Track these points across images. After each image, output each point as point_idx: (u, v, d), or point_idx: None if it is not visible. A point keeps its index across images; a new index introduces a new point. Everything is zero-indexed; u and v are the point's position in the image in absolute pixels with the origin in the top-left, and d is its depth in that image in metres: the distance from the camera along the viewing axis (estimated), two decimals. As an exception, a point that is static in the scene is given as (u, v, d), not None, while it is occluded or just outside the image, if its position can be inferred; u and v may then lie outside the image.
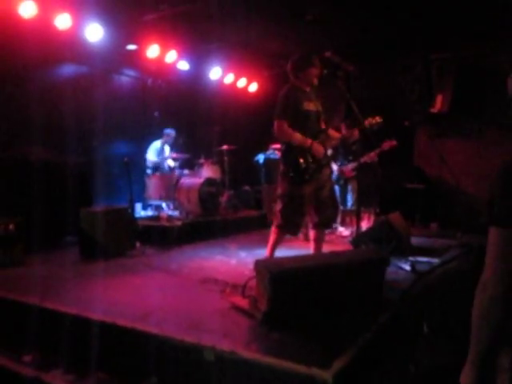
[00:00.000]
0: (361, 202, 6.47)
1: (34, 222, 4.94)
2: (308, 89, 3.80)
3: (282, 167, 3.74)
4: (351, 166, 6.38)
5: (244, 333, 2.59)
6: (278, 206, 3.74)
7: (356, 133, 3.98)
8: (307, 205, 3.71)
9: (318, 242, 3.90)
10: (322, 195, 3.75)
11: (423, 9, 5.76)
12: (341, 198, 6.74)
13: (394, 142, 6.13)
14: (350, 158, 6.50)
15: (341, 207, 6.76)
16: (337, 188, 6.74)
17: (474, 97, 7.07)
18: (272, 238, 3.81)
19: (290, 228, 3.76)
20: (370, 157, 6.16)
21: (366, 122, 3.89)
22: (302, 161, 3.57)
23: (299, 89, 3.74)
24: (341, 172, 6.54)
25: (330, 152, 6.35)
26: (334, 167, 6.51)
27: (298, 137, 3.58)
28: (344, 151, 6.57)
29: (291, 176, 3.61)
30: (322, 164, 3.72)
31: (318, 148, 3.62)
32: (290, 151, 3.63)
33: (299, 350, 2.26)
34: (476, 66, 7.09)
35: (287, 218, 3.69)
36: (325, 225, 3.89)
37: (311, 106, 3.73)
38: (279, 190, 3.75)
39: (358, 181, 6.44)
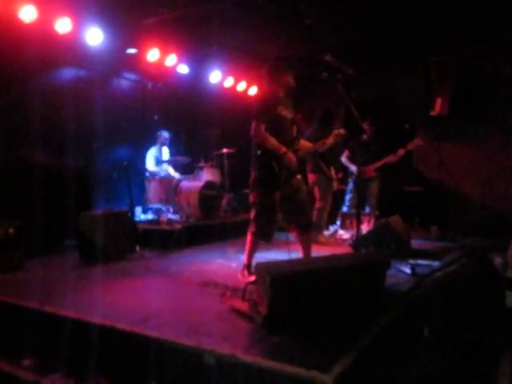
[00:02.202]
0: (380, 203, 6.46)
1: (33, 225, 4.94)
2: (282, 94, 3.81)
3: (253, 174, 3.72)
4: (374, 165, 6.33)
5: (244, 336, 2.58)
6: (252, 214, 3.75)
7: (328, 141, 3.93)
8: (278, 212, 3.72)
9: (305, 245, 3.86)
10: (298, 198, 3.74)
11: (423, 12, 5.77)
12: (350, 201, 6.65)
13: (420, 142, 6.13)
14: (368, 159, 6.41)
15: (345, 209, 6.72)
16: (349, 189, 6.65)
17: (473, 100, 7.08)
18: (248, 244, 3.82)
19: (264, 235, 3.76)
20: (398, 155, 6.15)
21: (335, 132, 3.92)
22: (275, 166, 3.56)
23: (275, 94, 3.77)
24: (362, 172, 6.32)
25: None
26: (353, 168, 6.44)
27: (273, 142, 3.58)
28: (363, 153, 6.40)
29: (263, 183, 3.62)
30: (294, 172, 3.70)
31: (290, 157, 3.61)
32: (264, 158, 3.61)
33: (299, 353, 2.26)
34: (475, 70, 7.11)
35: (261, 225, 3.71)
36: (306, 227, 3.84)
37: (286, 113, 3.75)
38: (251, 198, 3.75)
39: (379, 181, 6.42)
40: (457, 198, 7.33)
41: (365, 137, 6.38)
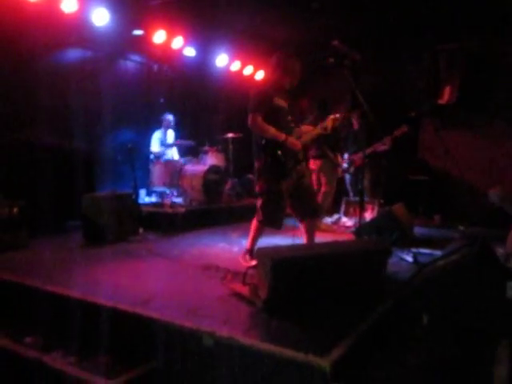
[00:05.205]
0: (371, 191, 6.49)
1: (38, 206, 4.99)
2: (282, 86, 3.79)
3: (258, 164, 3.71)
4: (361, 154, 6.32)
5: (244, 319, 2.61)
6: (259, 202, 3.75)
7: (328, 125, 3.85)
8: (287, 199, 3.72)
9: (310, 232, 3.87)
10: (303, 184, 3.75)
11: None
12: (351, 187, 6.73)
13: (406, 129, 6.10)
14: (356, 147, 6.46)
15: (350, 197, 6.74)
16: (347, 177, 6.72)
17: (481, 89, 7.00)
18: (253, 231, 3.82)
19: (272, 223, 3.75)
20: (385, 143, 6.14)
21: (331, 117, 3.87)
22: (280, 153, 3.56)
23: (272, 85, 3.76)
24: (351, 161, 6.49)
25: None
26: (345, 156, 6.49)
27: (272, 130, 3.57)
28: (352, 141, 6.55)
29: (270, 171, 3.61)
30: (299, 159, 3.71)
31: (293, 141, 3.61)
32: (268, 147, 3.60)
33: (298, 337, 2.28)
34: (484, 58, 7.01)
35: (268, 213, 3.70)
36: (312, 214, 3.85)
37: (283, 103, 3.73)
38: (257, 187, 3.75)
39: (370, 169, 6.41)
40: (462, 187, 7.30)
41: (355, 127, 6.56)
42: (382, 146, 6.19)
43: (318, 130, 3.95)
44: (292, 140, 3.61)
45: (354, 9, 6.20)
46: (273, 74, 3.80)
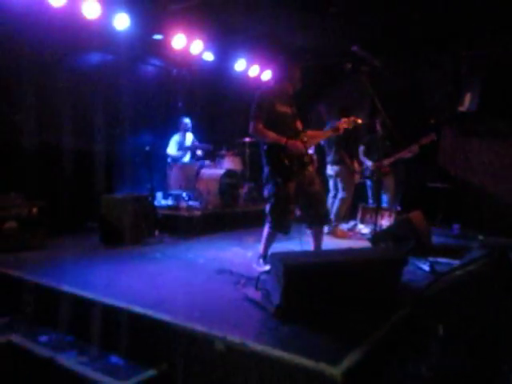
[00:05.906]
0: (403, 198, 6.40)
1: (59, 206, 5.07)
2: (283, 92, 3.84)
3: (265, 170, 3.74)
4: (387, 161, 6.23)
5: (255, 325, 2.60)
6: (267, 207, 3.76)
7: (341, 126, 3.87)
8: (295, 202, 3.73)
9: (317, 238, 3.88)
10: (312, 190, 3.74)
11: (455, 4, 5.61)
12: (372, 196, 6.64)
13: (434, 137, 6.01)
14: (382, 154, 6.34)
15: (368, 204, 6.66)
16: (368, 184, 6.64)
17: (503, 96, 6.87)
18: (265, 236, 3.83)
19: (281, 227, 3.74)
20: (412, 151, 6.04)
21: (344, 119, 3.91)
22: (286, 160, 3.59)
23: (274, 92, 3.81)
24: (377, 168, 6.24)
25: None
26: (368, 163, 6.39)
27: (272, 135, 3.60)
28: (377, 148, 6.44)
29: (275, 176, 3.64)
30: (305, 163, 3.72)
31: (294, 143, 3.60)
32: (271, 152, 3.64)
33: (309, 344, 2.25)
34: (507, 65, 6.89)
35: (277, 217, 3.71)
36: (319, 220, 3.84)
37: (285, 108, 3.76)
38: (266, 192, 3.77)
39: (394, 176, 6.33)
40: (481, 196, 7.16)
41: (379, 133, 6.39)
42: (408, 154, 6.10)
43: (329, 132, 3.97)
44: (292, 142, 3.61)
45: (373, 14, 6.15)
46: (276, 81, 3.89)
